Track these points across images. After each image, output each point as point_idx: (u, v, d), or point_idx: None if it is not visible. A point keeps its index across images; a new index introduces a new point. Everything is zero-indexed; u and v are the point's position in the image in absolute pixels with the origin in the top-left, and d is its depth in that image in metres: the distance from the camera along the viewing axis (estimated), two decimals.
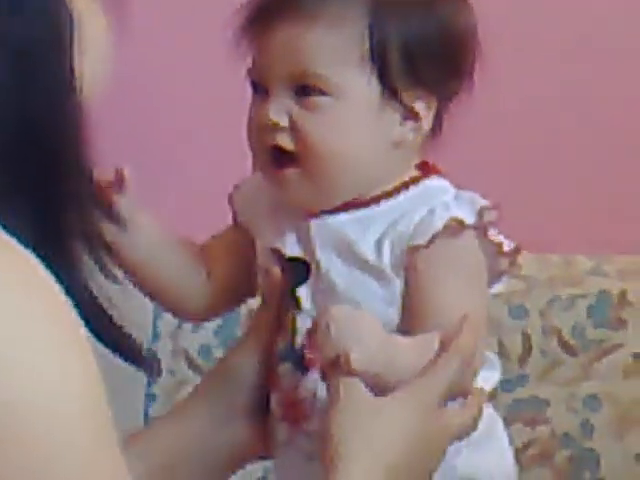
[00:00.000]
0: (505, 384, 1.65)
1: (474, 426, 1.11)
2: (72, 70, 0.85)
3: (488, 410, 1.12)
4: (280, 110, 1.08)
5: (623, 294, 1.68)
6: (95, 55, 0.93)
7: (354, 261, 1.09)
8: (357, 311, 1.07)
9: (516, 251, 1.09)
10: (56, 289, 0.82)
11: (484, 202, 1.06)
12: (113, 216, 1.09)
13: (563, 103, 1.87)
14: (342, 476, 1.07)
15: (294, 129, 1.08)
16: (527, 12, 1.79)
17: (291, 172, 1.08)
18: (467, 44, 1.10)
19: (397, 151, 1.08)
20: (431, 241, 1.06)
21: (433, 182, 1.09)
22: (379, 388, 1.06)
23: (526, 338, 1.70)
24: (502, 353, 1.69)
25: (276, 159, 1.08)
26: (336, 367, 1.05)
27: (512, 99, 1.63)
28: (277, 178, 1.10)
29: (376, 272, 1.09)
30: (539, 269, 1.74)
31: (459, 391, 1.10)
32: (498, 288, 1.12)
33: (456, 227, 1.05)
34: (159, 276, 1.18)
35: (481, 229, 1.06)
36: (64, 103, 0.86)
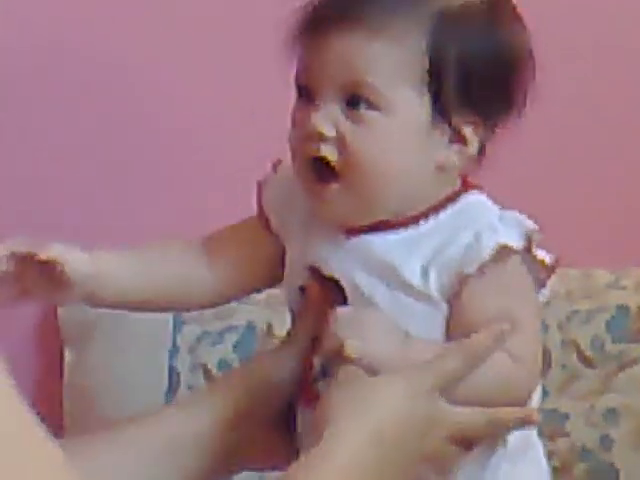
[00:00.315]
0: None
1: (476, 437, 1.11)
2: None
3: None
4: (327, 120, 1.08)
5: None
6: None
7: (398, 285, 1.10)
8: (362, 310, 1.10)
9: (556, 263, 1.11)
10: None
11: (531, 225, 1.08)
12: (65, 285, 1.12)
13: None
14: (329, 447, 1.09)
15: (340, 141, 1.08)
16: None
17: (333, 188, 1.08)
18: (521, 70, 1.10)
19: (441, 173, 1.08)
20: (480, 270, 1.07)
21: (473, 197, 1.10)
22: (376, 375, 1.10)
23: (545, 352, 1.55)
24: None
25: (318, 171, 1.08)
26: (337, 358, 1.08)
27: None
28: (318, 192, 1.10)
29: (422, 296, 1.10)
30: (558, 283, 1.57)
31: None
32: (542, 298, 1.14)
33: (505, 254, 1.06)
34: (151, 299, 1.19)
35: (528, 251, 1.08)
36: None
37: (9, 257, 1.08)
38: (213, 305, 1.20)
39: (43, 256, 1.05)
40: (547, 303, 1.55)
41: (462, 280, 1.07)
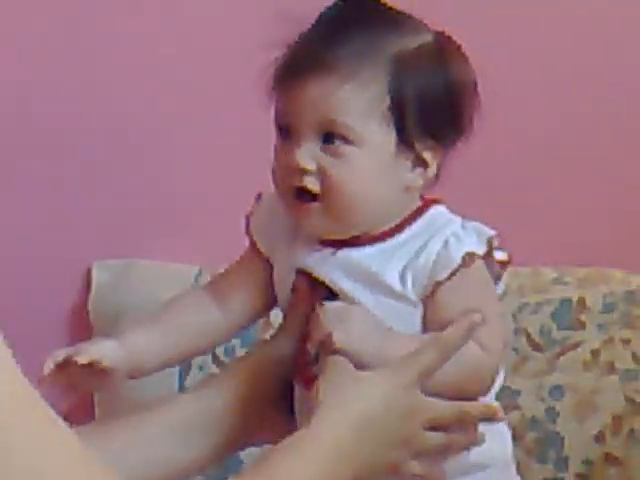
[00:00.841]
0: None
1: (453, 420, 1.19)
2: None
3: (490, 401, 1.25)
4: (308, 156, 1.17)
5: (582, 300, 1.84)
6: None
7: (380, 289, 1.19)
8: (348, 305, 1.19)
9: (509, 259, 1.21)
10: None
11: (490, 232, 1.19)
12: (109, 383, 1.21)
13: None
14: (313, 431, 1.17)
15: (320, 173, 1.18)
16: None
17: (313, 207, 1.18)
18: (469, 100, 1.21)
19: (407, 193, 1.19)
20: (451, 275, 1.17)
21: (436, 210, 1.21)
22: (363, 366, 1.17)
23: None
24: None
25: (299, 196, 1.19)
26: (325, 347, 1.17)
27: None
28: (300, 211, 1.20)
29: (401, 298, 1.19)
30: (511, 279, 1.82)
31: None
32: (499, 291, 1.25)
33: (470, 259, 1.17)
34: (180, 357, 1.29)
35: (489, 254, 1.19)
36: None
37: (54, 369, 1.15)
38: (232, 337, 1.31)
39: (84, 360, 1.13)
40: (502, 296, 1.68)
41: (435, 284, 1.17)
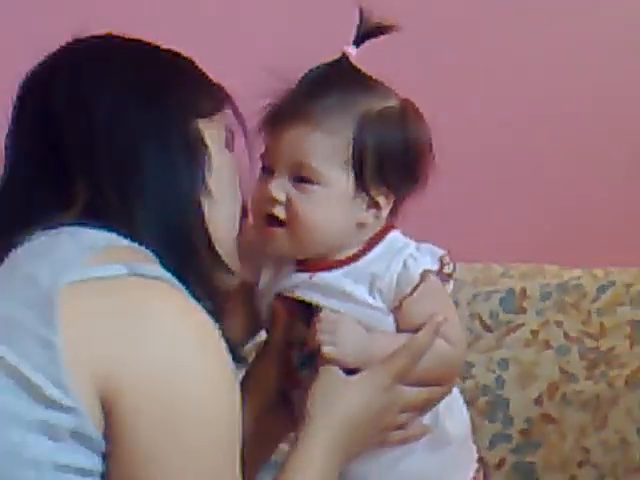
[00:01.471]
0: None
1: (423, 409, 1.32)
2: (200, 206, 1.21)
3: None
4: (280, 189, 1.28)
5: (523, 290, 2.08)
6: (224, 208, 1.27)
7: (355, 302, 1.29)
8: (339, 315, 1.28)
9: (454, 272, 1.31)
10: (215, 328, 1.15)
11: (441, 252, 1.30)
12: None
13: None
14: (309, 434, 1.29)
15: (288, 204, 1.28)
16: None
17: (279, 231, 1.29)
18: (424, 157, 1.31)
19: (360, 227, 1.29)
20: (412, 291, 1.27)
21: (393, 235, 1.31)
22: (354, 369, 1.27)
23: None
24: None
25: (268, 221, 1.28)
26: (318, 357, 1.27)
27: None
28: (267, 234, 1.29)
29: (374, 308, 1.29)
30: (466, 274, 2.12)
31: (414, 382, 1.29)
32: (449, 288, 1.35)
33: (427, 275, 1.27)
34: None
35: (441, 270, 1.29)
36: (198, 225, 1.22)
37: None
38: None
39: None
40: (459, 287, 2.06)
41: (401, 298, 1.28)
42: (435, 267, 1.27)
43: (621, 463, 2.05)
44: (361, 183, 1.27)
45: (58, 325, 1.11)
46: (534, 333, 2.08)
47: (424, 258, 1.28)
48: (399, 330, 1.30)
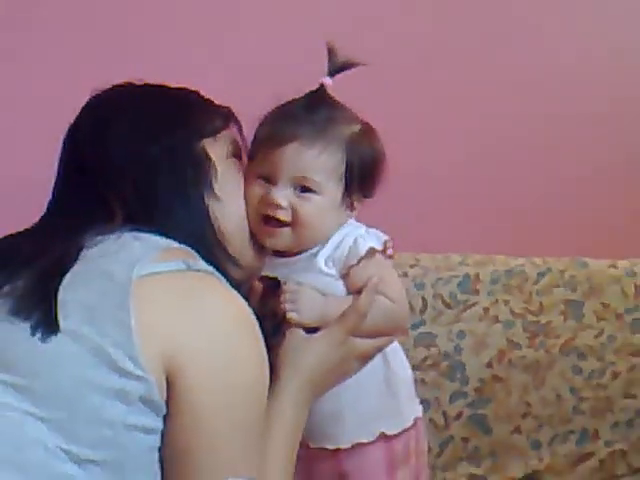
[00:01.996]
0: (413, 326, 2.18)
1: (373, 355, 1.42)
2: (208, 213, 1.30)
3: (395, 343, 1.47)
4: (284, 197, 1.37)
5: (477, 275, 2.23)
6: (233, 211, 1.35)
7: (316, 272, 1.39)
8: (300, 285, 1.38)
9: (394, 254, 1.41)
10: (251, 311, 1.25)
11: (385, 237, 1.40)
12: None
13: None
14: (279, 390, 1.36)
15: (293, 210, 1.36)
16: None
17: (284, 230, 1.38)
18: (382, 168, 1.42)
19: (339, 225, 1.40)
20: (359, 261, 1.38)
21: (352, 222, 1.42)
22: (314, 329, 1.37)
23: (424, 300, 2.23)
24: (411, 308, 2.17)
25: (269, 222, 1.37)
26: (285, 322, 1.37)
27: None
28: (269, 232, 1.37)
29: (329, 275, 1.40)
30: (431, 262, 2.28)
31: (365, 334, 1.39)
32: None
33: (372, 252, 1.39)
34: None
35: (384, 250, 1.40)
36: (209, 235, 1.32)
37: None
38: None
39: None
40: (425, 273, 2.22)
41: (349, 267, 1.38)
42: (379, 247, 1.38)
43: (556, 415, 2.18)
44: (347, 192, 1.39)
45: (132, 310, 1.19)
46: (485, 310, 2.21)
47: (371, 238, 1.39)
48: (348, 293, 1.39)
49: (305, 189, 1.36)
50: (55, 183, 1.39)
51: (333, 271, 1.40)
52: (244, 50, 2.30)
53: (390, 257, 1.41)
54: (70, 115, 1.39)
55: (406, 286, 1.86)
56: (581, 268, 2.26)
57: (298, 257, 1.40)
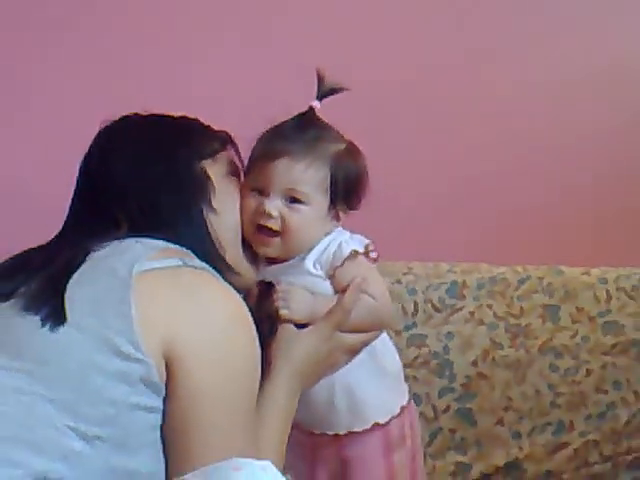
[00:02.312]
0: (405, 327, 2.25)
1: (360, 349, 1.45)
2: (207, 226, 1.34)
3: (383, 334, 1.51)
4: (274, 207, 1.41)
5: (464, 282, 2.30)
6: (227, 222, 1.39)
7: (305, 273, 1.43)
8: (291, 286, 1.42)
9: (378, 258, 1.44)
10: (244, 304, 1.30)
11: (367, 241, 1.45)
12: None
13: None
14: (272, 379, 1.39)
15: (282, 219, 1.41)
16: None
17: (275, 239, 1.42)
18: (365, 183, 1.47)
19: (325, 234, 1.45)
20: (343, 263, 1.42)
21: (338, 229, 1.47)
22: (304, 324, 1.40)
23: (415, 304, 2.29)
24: (404, 312, 2.27)
25: (262, 231, 1.41)
26: (278, 319, 1.41)
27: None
28: (262, 241, 1.42)
29: (317, 276, 1.44)
30: (422, 269, 2.34)
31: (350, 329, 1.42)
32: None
33: (354, 254, 1.43)
34: None
35: (367, 253, 1.44)
36: (208, 243, 1.36)
37: None
38: None
39: None
40: (417, 280, 2.27)
41: (334, 268, 1.43)
42: (361, 250, 1.44)
43: (535, 408, 2.22)
44: (333, 203, 1.44)
45: (133, 302, 1.25)
46: (471, 313, 2.27)
47: (354, 243, 1.45)
48: (335, 293, 1.44)
49: (294, 200, 1.41)
50: (71, 205, 1.45)
51: (320, 272, 1.43)
52: (245, 82, 2.39)
53: (374, 260, 1.44)
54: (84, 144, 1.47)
55: (399, 292, 2.25)
56: (557, 275, 2.32)
57: (289, 262, 1.44)
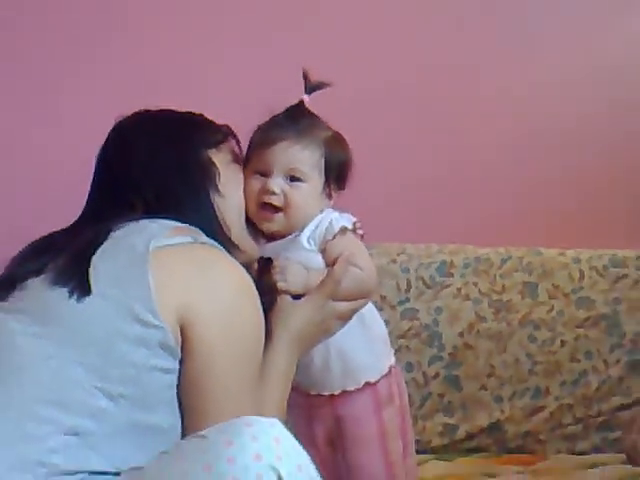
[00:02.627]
0: (399, 302, 2.38)
1: (350, 316, 1.51)
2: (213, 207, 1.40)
3: (370, 305, 1.57)
4: (277, 185, 1.50)
5: (452, 262, 2.43)
6: (232, 205, 1.45)
7: (300, 249, 1.50)
8: (288, 260, 1.49)
9: (364, 234, 1.50)
10: (249, 276, 1.36)
11: (354, 219, 1.52)
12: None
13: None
14: (273, 345, 1.44)
15: (284, 196, 1.49)
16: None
17: (279, 215, 1.50)
18: (350, 165, 1.55)
19: (320, 210, 1.51)
20: (333, 237, 1.50)
21: (328, 210, 1.53)
22: (299, 295, 1.47)
23: (408, 282, 2.41)
24: (398, 288, 2.40)
25: (265, 208, 1.49)
26: (276, 291, 1.47)
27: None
28: (268, 217, 1.50)
29: (311, 251, 1.50)
30: (414, 250, 2.46)
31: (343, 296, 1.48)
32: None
33: (344, 230, 1.51)
34: None
35: (354, 230, 1.52)
36: (215, 225, 1.41)
37: None
38: None
39: None
40: (410, 259, 2.38)
41: (325, 242, 1.49)
42: (350, 226, 1.53)
43: (515, 375, 2.34)
44: (326, 183, 1.53)
45: (150, 274, 1.31)
46: (458, 290, 2.40)
47: (343, 220, 1.53)
48: (326, 266, 1.52)
49: (294, 178, 1.51)
50: (89, 193, 1.51)
51: (314, 247, 1.51)
52: (246, 83, 2.49)
53: (361, 236, 1.52)
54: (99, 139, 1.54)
55: (394, 270, 2.38)
56: (536, 256, 2.42)
57: (286, 239, 1.52)
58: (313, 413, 1.60)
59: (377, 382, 1.56)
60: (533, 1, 2.52)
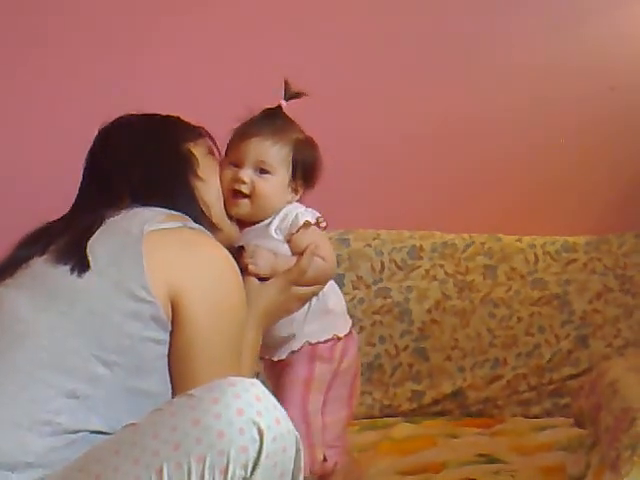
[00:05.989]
0: (373, 282, 2.54)
1: (310, 298, 1.63)
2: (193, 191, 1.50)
3: (331, 282, 1.69)
4: (247, 175, 1.61)
5: (421, 246, 2.60)
6: (211, 189, 1.55)
7: (269, 238, 1.62)
8: (257, 247, 1.60)
9: (325, 227, 1.60)
10: (231, 257, 1.43)
11: (317, 214, 1.63)
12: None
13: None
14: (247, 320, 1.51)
15: (252, 185, 1.60)
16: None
17: (245, 200, 1.61)
18: (319, 166, 1.65)
19: (285, 203, 1.62)
20: (297, 230, 1.61)
21: (295, 203, 1.64)
22: (267, 278, 1.59)
23: (382, 264, 2.58)
24: (373, 269, 2.56)
25: (235, 196, 1.59)
26: (246, 273, 1.56)
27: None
28: (236, 203, 1.60)
29: (278, 240, 1.63)
30: (387, 236, 2.62)
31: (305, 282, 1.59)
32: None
33: (307, 224, 1.62)
34: None
35: (318, 224, 1.62)
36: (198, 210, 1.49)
37: None
38: None
39: None
40: (383, 244, 2.53)
41: (291, 235, 1.61)
42: (313, 221, 1.64)
43: (476, 347, 2.52)
44: (292, 178, 1.64)
45: (144, 254, 1.38)
46: (427, 271, 2.58)
47: (307, 214, 1.64)
48: (292, 254, 1.64)
49: (263, 171, 1.62)
50: (79, 188, 1.59)
51: (280, 237, 1.63)
52: (229, 90, 2.57)
53: (324, 228, 1.63)
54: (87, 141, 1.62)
55: (369, 253, 2.55)
56: (496, 242, 2.59)
57: (256, 226, 1.62)
58: (279, 375, 1.72)
59: (317, 343, 1.67)
60: None
